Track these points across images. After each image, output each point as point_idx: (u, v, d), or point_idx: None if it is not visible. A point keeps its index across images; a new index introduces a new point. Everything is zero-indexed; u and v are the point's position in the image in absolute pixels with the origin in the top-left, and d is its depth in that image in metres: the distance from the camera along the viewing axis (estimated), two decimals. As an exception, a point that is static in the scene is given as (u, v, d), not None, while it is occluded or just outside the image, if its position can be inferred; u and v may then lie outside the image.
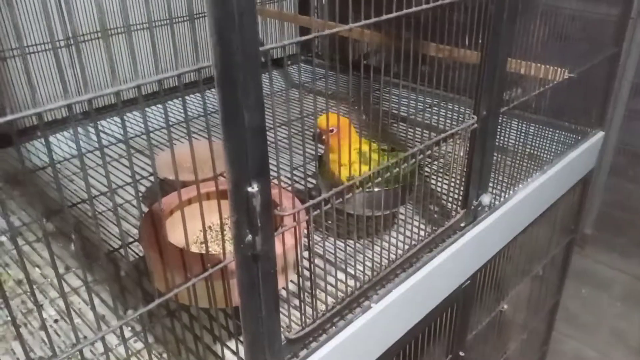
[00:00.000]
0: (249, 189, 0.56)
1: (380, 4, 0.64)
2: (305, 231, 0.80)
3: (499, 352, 1.46)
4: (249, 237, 0.58)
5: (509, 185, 1.09)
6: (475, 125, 0.89)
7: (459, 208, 0.97)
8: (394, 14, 0.66)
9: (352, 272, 0.88)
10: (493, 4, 0.80)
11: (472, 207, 0.97)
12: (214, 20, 0.47)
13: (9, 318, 0.83)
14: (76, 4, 1.34)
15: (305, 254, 0.85)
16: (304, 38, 0.56)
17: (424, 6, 0.70)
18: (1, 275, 0.94)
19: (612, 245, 2.56)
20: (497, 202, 1.05)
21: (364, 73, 0.81)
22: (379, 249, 0.86)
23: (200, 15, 1.50)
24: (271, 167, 0.58)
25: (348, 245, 0.94)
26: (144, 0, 1.41)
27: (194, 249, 0.90)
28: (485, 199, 0.98)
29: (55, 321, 0.87)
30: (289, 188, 0.77)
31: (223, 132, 0.53)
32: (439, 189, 1.10)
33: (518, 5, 0.85)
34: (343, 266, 0.90)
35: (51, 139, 1.30)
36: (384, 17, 0.64)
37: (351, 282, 0.87)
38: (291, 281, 0.84)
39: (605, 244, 2.57)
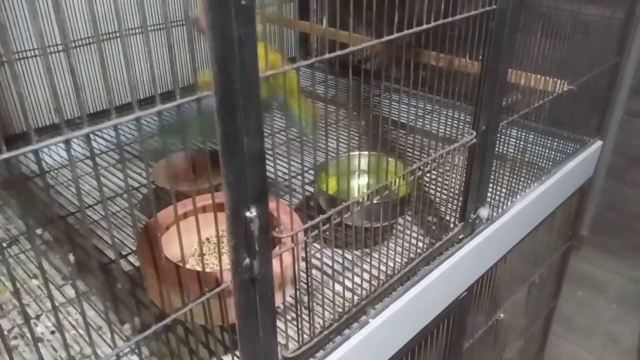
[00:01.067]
0: (247, 214, 0.56)
1: (382, 9, 0.64)
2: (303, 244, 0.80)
3: None
4: (247, 260, 0.58)
5: (507, 197, 1.09)
6: (474, 140, 0.89)
7: (456, 221, 0.97)
8: (399, 34, 0.65)
9: (350, 285, 0.88)
10: (494, 20, 0.80)
11: (470, 220, 0.97)
12: (214, 50, 0.46)
13: (5, 332, 0.83)
14: (72, 7, 1.33)
15: (303, 265, 0.85)
16: (304, 62, 0.55)
17: (428, 25, 0.69)
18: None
19: (608, 247, 2.56)
20: (495, 214, 1.05)
21: (363, 77, 0.80)
22: (377, 261, 0.86)
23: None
24: (269, 174, 0.57)
25: (346, 258, 0.94)
26: (138, 6, 1.40)
27: (192, 261, 0.90)
28: (483, 212, 0.98)
29: (52, 333, 0.86)
30: (287, 194, 0.76)
31: (222, 157, 0.52)
32: (437, 200, 1.10)
33: (519, 21, 0.84)
34: (341, 279, 0.90)
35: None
36: (388, 37, 0.64)
37: (349, 295, 0.87)
38: (290, 296, 0.84)
39: (601, 246, 2.57)
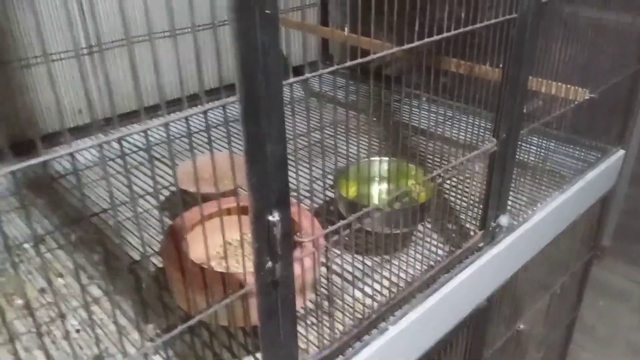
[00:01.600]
0: (270, 218, 0.57)
1: (403, 16, 0.64)
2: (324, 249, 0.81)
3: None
4: (269, 264, 0.59)
5: (527, 205, 1.08)
6: (495, 147, 0.89)
7: (477, 229, 0.97)
8: (420, 42, 0.66)
9: (369, 292, 0.88)
10: (514, 28, 0.80)
11: (490, 228, 0.97)
12: (239, 57, 0.48)
13: (34, 329, 0.85)
14: (101, 10, 1.37)
15: (323, 270, 0.86)
16: (327, 70, 0.56)
17: (449, 33, 0.70)
18: (26, 285, 0.96)
19: (631, 255, 2.53)
20: (515, 223, 1.05)
21: (383, 83, 0.81)
22: (396, 268, 0.86)
23: (223, 22, 1.51)
24: (290, 178, 0.58)
25: (365, 264, 0.95)
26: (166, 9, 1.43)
27: (214, 263, 0.91)
28: (504, 220, 0.98)
29: (77, 331, 0.88)
30: (308, 202, 0.77)
31: (246, 163, 0.53)
32: (457, 207, 1.10)
33: (539, 30, 0.84)
34: (360, 285, 0.91)
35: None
36: (409, 45, 0.65)
37: (368, 301, 0.87)
38: (309, 300, 0.85)
39: (624, 255, 2.54)
